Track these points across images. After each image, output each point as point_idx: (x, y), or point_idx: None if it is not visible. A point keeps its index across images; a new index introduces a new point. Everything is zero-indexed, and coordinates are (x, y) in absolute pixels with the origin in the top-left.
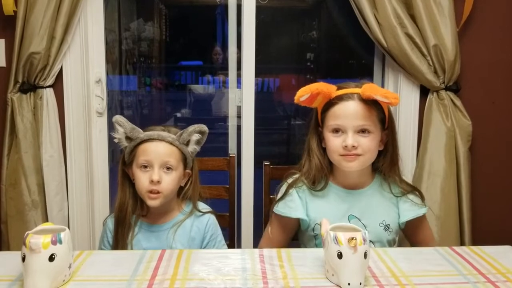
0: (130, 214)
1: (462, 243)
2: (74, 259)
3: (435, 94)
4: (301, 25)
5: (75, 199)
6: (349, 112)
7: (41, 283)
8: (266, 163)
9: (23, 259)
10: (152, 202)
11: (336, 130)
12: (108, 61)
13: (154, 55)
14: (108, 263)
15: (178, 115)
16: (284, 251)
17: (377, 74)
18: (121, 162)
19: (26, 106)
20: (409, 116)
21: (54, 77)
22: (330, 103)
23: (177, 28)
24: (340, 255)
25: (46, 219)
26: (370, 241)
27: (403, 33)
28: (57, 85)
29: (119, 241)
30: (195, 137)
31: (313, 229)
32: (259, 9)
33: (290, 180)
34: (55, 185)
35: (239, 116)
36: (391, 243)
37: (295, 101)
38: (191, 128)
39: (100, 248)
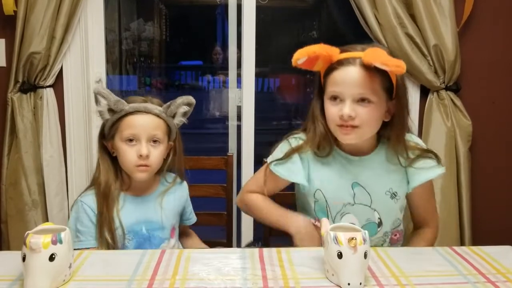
0: (113, 188)
1: (462, 243)
2: (74, 259)
3: (435, 94)
4: (301, 25)
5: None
6: (348, 78)
7: (41, 283)
8: (266, 160)
9: (23, 258)
10: (141, 175)
11: (334, 98)
12: (108, 61)
13: (154, 55)
14: (108, 263)
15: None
16: (284, 251)
17: None
18: (100, 136)
19: (26, 106)
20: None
21: (54, 77)
22: (331, 67)
23: (177, 28)
24: (340, 255)
25: (46, 219)
26: (375, 210)
27: (403, 33)
28: (57, 85)
29: (105, 215)
30: (183, 109)
31: (314, 195)
32: (259, 9)
33: (293, 142)
34: (55, 185)
35: (239, 116)
36: (398, 213)
37: (293, 63)
38: (179, 100)
39: (77, 230)
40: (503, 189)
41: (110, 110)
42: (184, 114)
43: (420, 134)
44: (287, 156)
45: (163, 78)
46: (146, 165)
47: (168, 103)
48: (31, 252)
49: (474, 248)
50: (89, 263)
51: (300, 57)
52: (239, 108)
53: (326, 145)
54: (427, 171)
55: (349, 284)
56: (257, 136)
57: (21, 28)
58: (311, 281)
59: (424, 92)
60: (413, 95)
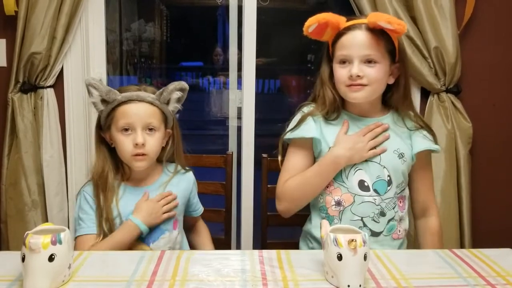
0: (111, 178)
1: (462, 246)
2: (73, 259)
3: (435, 96)
4: (302, 27)
5: (75, 200)
6: (355, 41)
7: (41, 283)
8: (264, 155)
9: (23, 259)
10: (138, 164)
11: (343, 61)
12: (108, 61)
13: (154, 56)
14: (108, 263)
15: (177, 115)
16: (284, 252)
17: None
18: (97, 126)
19: (27, 106)
20: None
21: (55, 77)
22: (339, 34)
23: (178, 29)
24: (340, 257)
25: (46, 219)
26: (384, 167)
27: (404, 35)
28: (58, 85)
29: (103, 206)
30: (176, 95)
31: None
32: (260, 10)
33: (305, 109)
34: (55, 186)
35: (239, 117)
36: (404, 174)
37: (304, 32)
38: (171, 86)
39: (79, 218)
40: (503, 191)
41: (103, 101)
42: (178, 100)
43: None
44: (301, 121)
45: (164, 79)
46: (143, 154)
47: (161, 89)
48: (30, 253)
49: (474, 250)
50: (89, 264)
51: (311, 24)
52: (239, 109)
53: (335, 109)
54: (429, 142)
55: (348, 286)
56: (257, 137)
57: (22, 28)
58: (310, 283)
59: (425, 94)
60: (414, 97)
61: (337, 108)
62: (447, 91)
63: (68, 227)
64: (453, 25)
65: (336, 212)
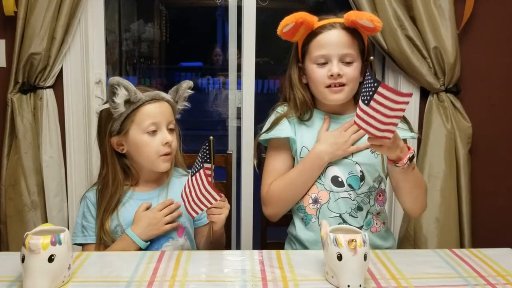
0: (122, 186)
1: (462, 246)
2: (73, 260)
3: (435, 96)
4: None
5: (75, 200)
6: (333, 40)
7: (41, 284)
8: (264, 155)
9: (23, 260)
10: (166, 165)
11: (321, 61)
12: (108, 62)
13: (154, 56)
14: (107, 264)
15: (177, 116)
16: (284, 253)
17: (377, 75)
18: (108, 134)
19: (26, 107)
20: (409, 118)
21: (54, 77)
22: (313, 33)
23: (177, 29)
24: (340, 257)
25: (45, 220)
26: (356, 163)
27: (403, 35)
28: (57, 86)
29: (105, 213)
30: (187, 93)
31: (300, 154)
32: (260, 11)
33: (280, 109)
34: (54, 186)
35: (239, 118)
36: (378, 169)
37: (278, 32)
38: (185, 84)
39: (82, 226)
40: (503, 191)
41: (127, 102)
42: (186, 98)
43: (420, 136)
44: (275, 122)
45: (163, 79)
46: (170, 153)
47: (175, 88)
48: (30, 253)
49: (474, 250)
50: (88, 264)
51: (288, 22)
52: (239, 110)
53: (307, 110)
54: (401, 131)
55: (348, 286)
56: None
57: (21, 29)
58: (310, 283)
59: (424, 94)
60: (413, 97)
61: (309, 109)
62: (447, 91)
63: (68, 228)
64: (453, 25)
65: (313, 211)
